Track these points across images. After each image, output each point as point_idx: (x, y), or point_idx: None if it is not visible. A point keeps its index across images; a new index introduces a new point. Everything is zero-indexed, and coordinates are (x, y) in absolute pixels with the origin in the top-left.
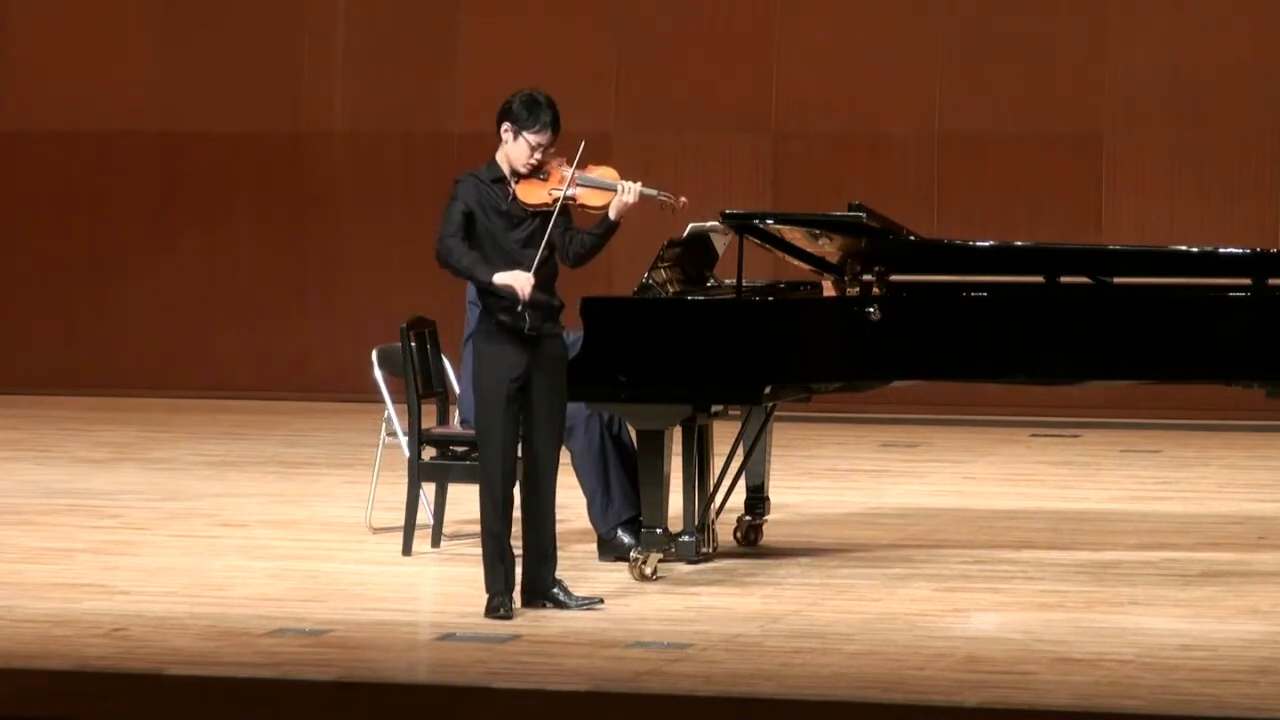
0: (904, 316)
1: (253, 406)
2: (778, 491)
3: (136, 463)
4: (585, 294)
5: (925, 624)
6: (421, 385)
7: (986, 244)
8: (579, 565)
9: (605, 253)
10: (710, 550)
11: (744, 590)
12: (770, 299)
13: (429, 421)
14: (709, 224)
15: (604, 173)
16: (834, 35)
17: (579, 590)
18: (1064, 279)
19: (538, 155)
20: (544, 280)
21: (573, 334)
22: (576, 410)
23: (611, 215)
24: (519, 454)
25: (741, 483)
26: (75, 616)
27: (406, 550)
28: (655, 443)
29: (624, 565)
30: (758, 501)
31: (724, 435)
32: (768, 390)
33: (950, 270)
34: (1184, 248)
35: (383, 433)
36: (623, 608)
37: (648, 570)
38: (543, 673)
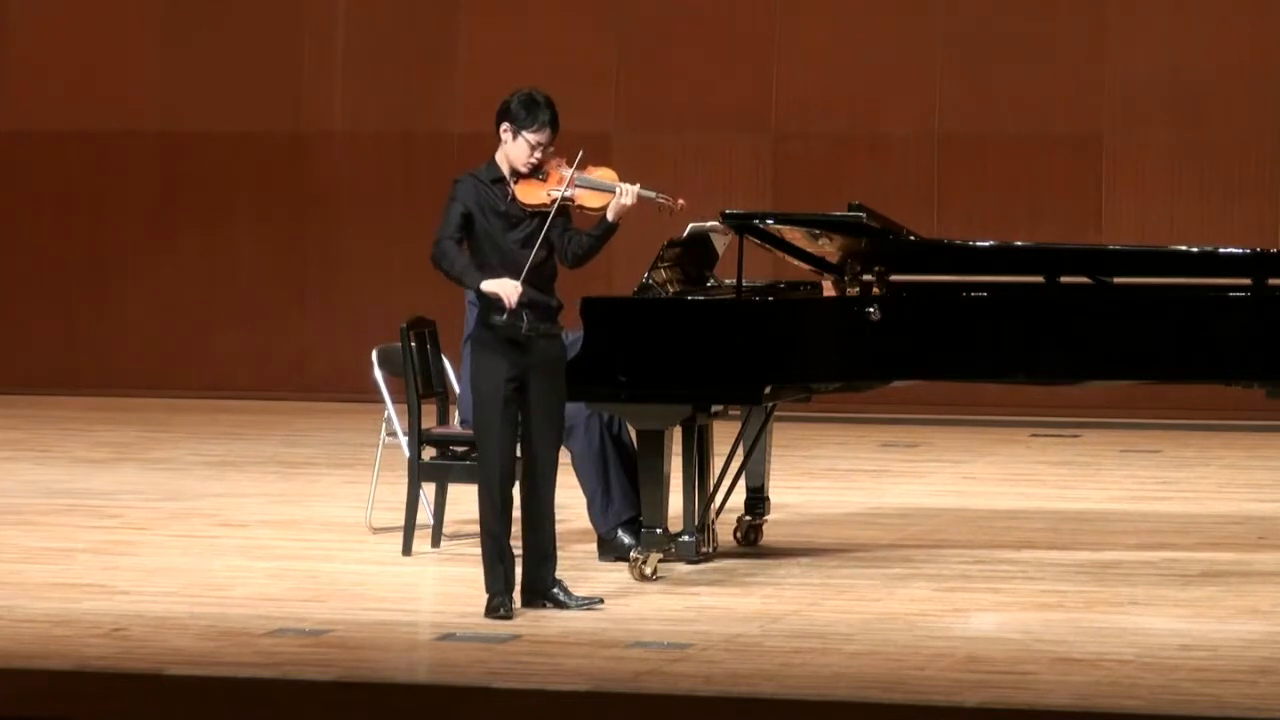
0: (904, 316)
1: (253, 406)
2: (778, 491)
3: (136, 463)
4: (585, 294)
5: (925, 624)
6: (421, 385)
7: (986, 244)
8: (579, 565)
9: (605, 253)
10: (710, 550)
11: (744, 590)
12: (770, 299)
13: (429, 421)
14: (709, 224)
15: (603, 174)
16: (834, 35)
17: (579, 590)
18: (1064, 279)
19: (537, 155)
20: (542, 281)
21: (572, 334)
22: (576, 410)
23: (610, 217)
24: (518, 454)
25: (741, 483)
26: (75, 616)
27: (406, 550)
28: (655, 443)
29: (624, 565)
30: (758, 501)
31: (724, 435)
32: (768, 390)
33: (950, 270)
34: (1184, 248)
35: (383, 433)
36: (623, 608)
37: (648, 570)
38: (543, 673)
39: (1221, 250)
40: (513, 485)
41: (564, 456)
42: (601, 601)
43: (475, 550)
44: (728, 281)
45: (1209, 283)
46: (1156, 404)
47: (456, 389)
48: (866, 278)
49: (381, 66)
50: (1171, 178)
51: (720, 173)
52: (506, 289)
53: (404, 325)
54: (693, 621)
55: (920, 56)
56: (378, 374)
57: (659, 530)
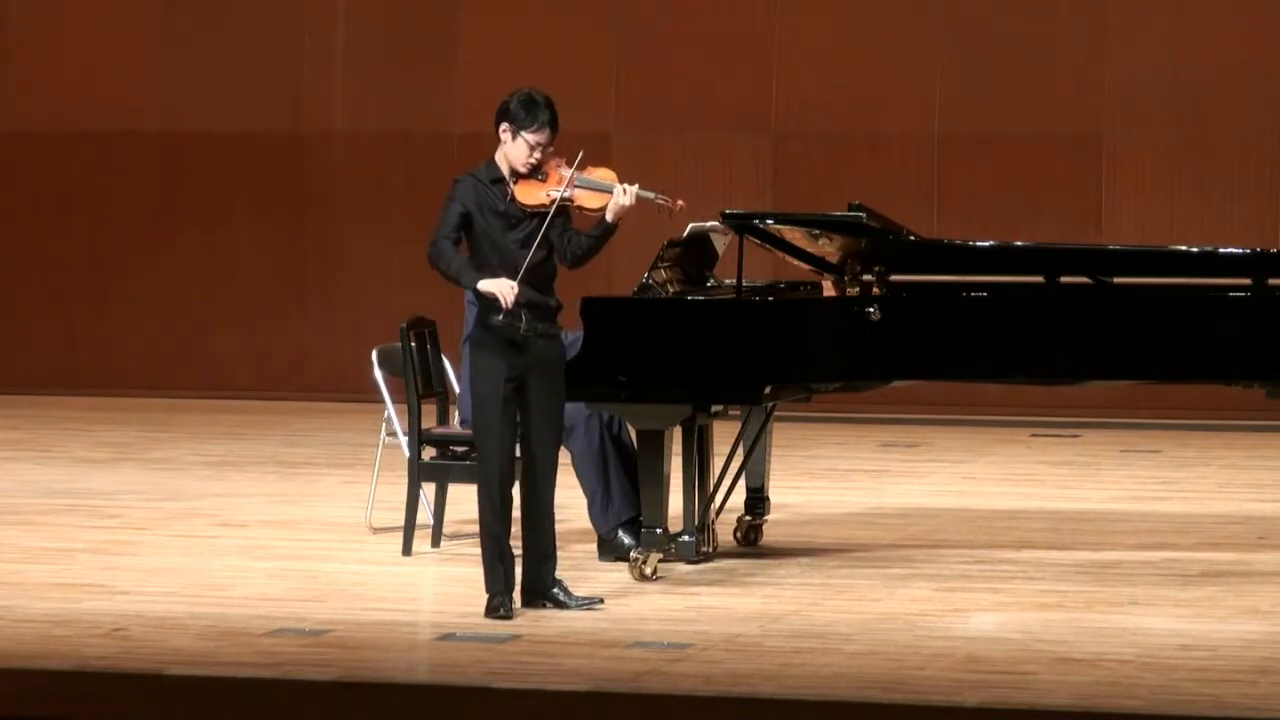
0: (904, 316)
1: (253, 406)
2: (778, 491)
3: (136, 463)
4: (585, 294)
5: (925, 624)
6: (421, 385)
7: (986, 244)
8: (579, 565)
9: (605, 253)
10: (710, 550)
11: (744, 590)
12: (770, 299)
13: (429, 421)
14: (709, 224)
15: (602, 174)
16: (834, 35)
17: (579, 590)
18: (1064, 279)
19: (536, 155)
20: (541, 281)
21: (571, 334)
22: (576, 410)
23: (609, 218)
24: (517, 454)
25: (741, 483)
26: (75, 616)
27: (406, 550)
28: (655, 443)
29: (624, 565)
30: (758, 501)
31: (724, 435)
32: (768, 390)
33: (950, 270)
34: (1184, 248)
35: (383, 433)
36: (623, 608)
37: (648, 570)
38: (543, 673)
39: (1221, 250)
40: (512, 485)
41: (564, 456)
42: (601, 601)
43: (475, 550)
44: (728, 281)
45: (1209, 283)
46: (1156, 404)
47: (456, 389)
48: (866, 278)
49: (381, 66)
50: (1171, 178)
51: (720, 173)
52: (503, 288)
53: (404, 325)
54: (693, 621)
55: (920, 56)
56: (378, 374)
57: (659, 530)
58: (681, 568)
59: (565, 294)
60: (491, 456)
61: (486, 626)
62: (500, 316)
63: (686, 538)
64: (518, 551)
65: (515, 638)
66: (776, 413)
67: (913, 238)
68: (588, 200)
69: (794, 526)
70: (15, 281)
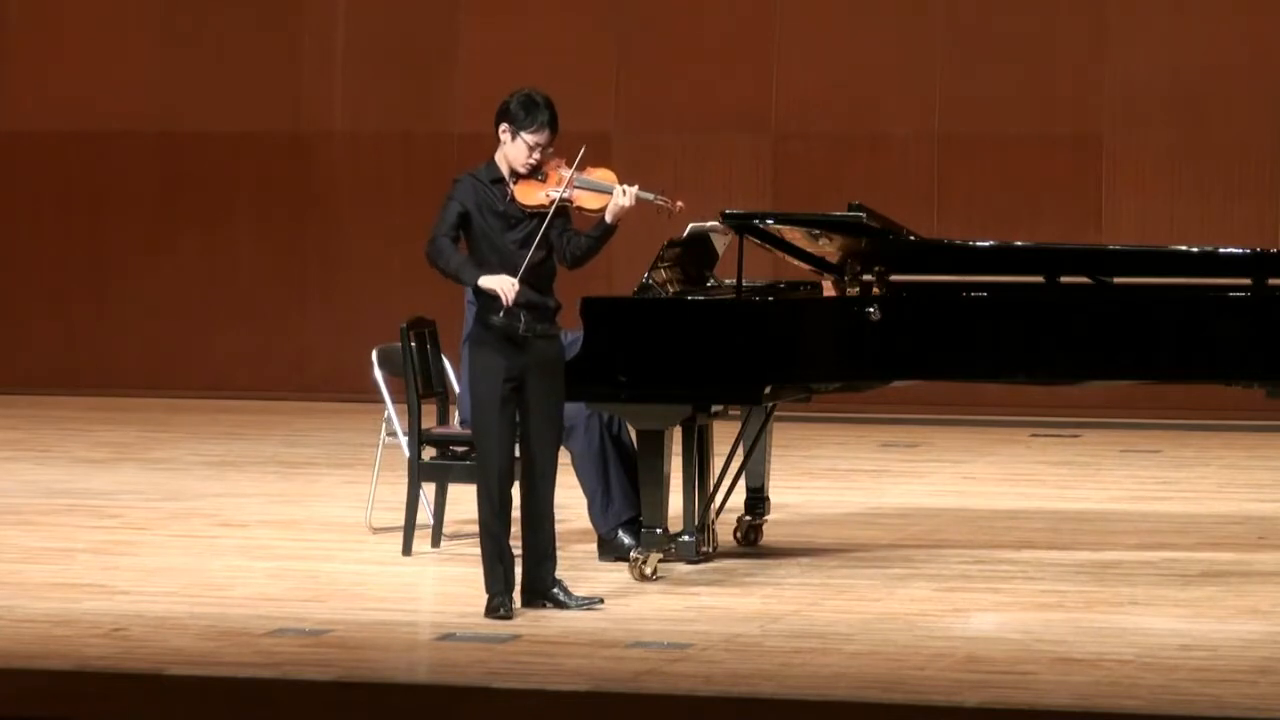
0: (904, 316)
1: (253, 406)
2: (778, 491)
3: (136, 463)
4: (585, 294)
5: (925, 624)
6: (421, 385)
7: (986, 244)
8: (579, 565)
9: (605, 253)
10: (710, 550)
11: (744, 590)
12: (770, 299)
13: (429, 421)
14: (709, 224)
15: (602, 175)
16: (834, 35)
17: (579, 590)
18: (1064, 279)
19: (536, 155)
20: (540, 281)
21: (571, 334)
22: (576, 410)
23: (608, 219)
24: (517, 454)
25: (741, 483)
26: (75, 616)
27: (406, 550)
28: (655, 443)
29: (624, 565)
30: (758, 502)
31: (724, 435)
32: (768, 390)
33: (950, 270)
34: (1184, 248)
35: (383, 433)
36: (623, 608)
37: (648, 570)
38: (543, 673)
39: (1221, 250)
40: (512, 485)
41: (564, 456)
42: (601, 601)
43: (475, 550)
44: (728, 281)
45: (1209, 283)
46: (1156, 404)
47: (456, 389)
48: (866, 278)
49: (381, 66)
50: (1171, 178)
51: (720, 173)
52: (504, 285)
53: (404, 325)
54: (693, 621)
55: (920, 56)
56: (378, 374)
57: (659, 530)
58: (681, 568)
59: (565, 294)
60: (491, 456)
61: (486, 626)
62: (501, 313)
63: (686, 538)
64: (517, 552)
65: (515, 638)
66: (776, 413)
67: (913, 238)
68: (587, 201)
69: (794, 526)
70: (15, 281)
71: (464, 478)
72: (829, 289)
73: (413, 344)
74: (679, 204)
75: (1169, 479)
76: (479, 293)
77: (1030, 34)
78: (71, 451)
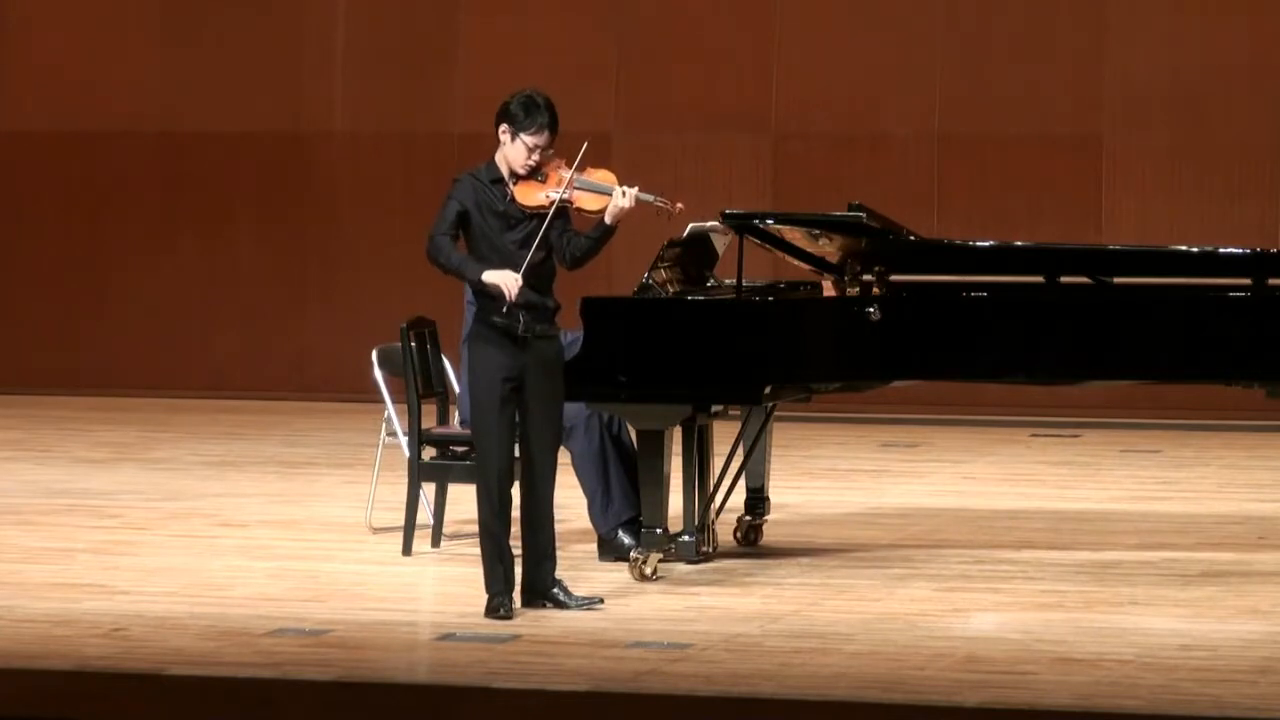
0: (904, 316)
1: (252, 406)
2: (778, 491)
3: (136, 463)
4: (585, 294)
5: (925, 624)
6: (421, 385)
7: (986, 244)
8: (579, 565)
9: (605, 253)
10: (710, 550)
11: (744, 590)
12: (770, 299)
13: (429, 421)
14: (709, 224)
15: (602, 176)
16: (834, 35)
17: (579, 590)
18: (1064, 279)
19: (535, 157)
20: (540, 282)
21: (570, 334)
22: (576, 410)
23: (608, 220)
24: (517, 454)
25: (741, 483)
26: (75, 616)
27: (406, 550)
28: (655, 443)
29: (624, 565)
30: (758, 502)
31: (724, 435)
32: (768, 390)
33: (950, 270)
34: (1184, 248)
35: (383, 433)
36: (623, 608)
37: (648, 570)
38: (543, 673)
39: (1221, 250)
40: (511, 485)
41: (564, 456)
42: (601, 601)
43: (475, 550)
44: (728, 281)
45: (1209, 283)
46: (1156, 404)
47: (456, 389)
48: (866, 278)
49: (381, 66)
50: (1171, 178)
51: (720, 173)
52: (507, 280)
53: (404, 325)
54: (693, 621)
55: (920, 56)
56: (378, 374)
57: (659, 530)
58: (681, 568)
59: (565, 294)
60: (490, 457)
61: (486, 626)
62: (504, 309)
63: (686, 538)
64: (517, 552)
65: (515, 638)
66: (776, 413)
67: (913, 238)
68: (587, 202)
69: (794, 526)
70: (15, 281)
71: (464, 478)
72: (829, 289)
73: (413, 344)
74: (679, 205)
75: (1169, 479)
76: (478, 293)
77: (1030, 34)
78: (71, 451)
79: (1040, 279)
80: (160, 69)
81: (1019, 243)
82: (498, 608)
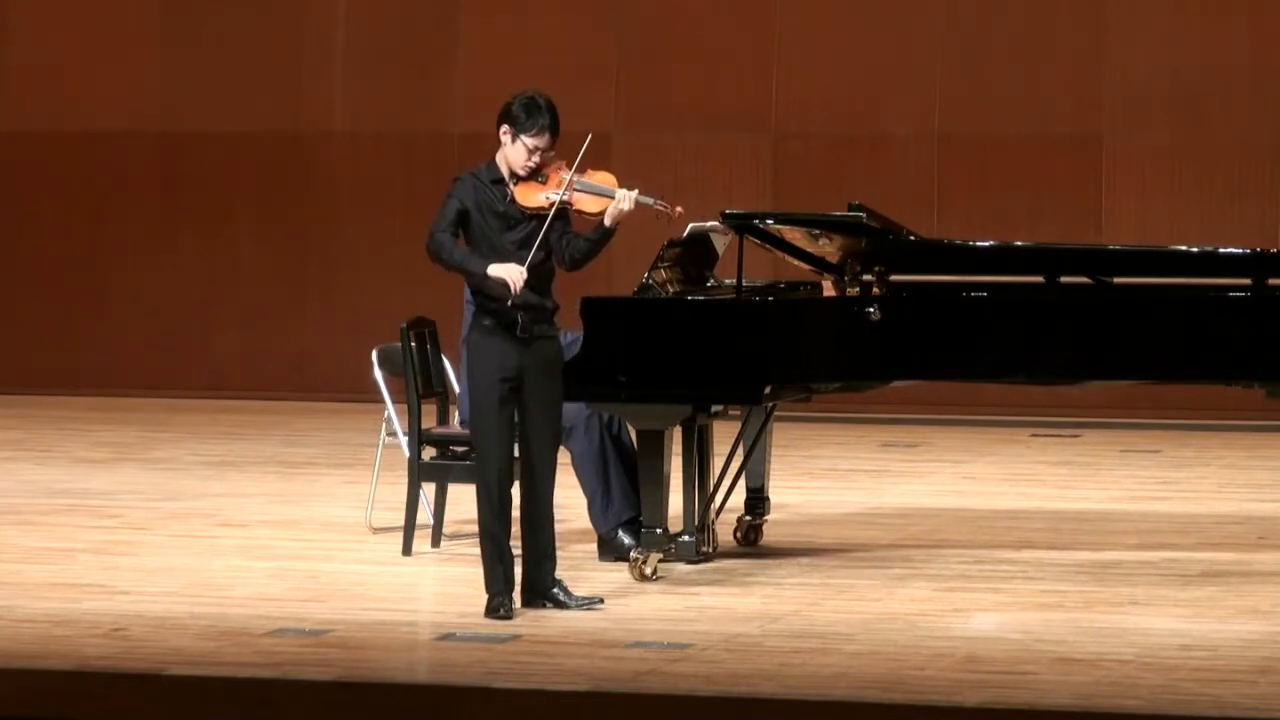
0: (904, 316)
1: (252, 406)
2: (778, 491)
3: (136, 463)
4: (585, 294)
5: (925, 624)
6: (421, 385)
7: (986, 244)
8: (579, 565)
9: (605, 253)
10: (710, 550)
11: (744, 590)
12: (770, 299)
13: (429, 421)
14: (709, 224)
15: (603, 178)
16: (834, 35)
17: (579, 590)
18: (1064, 279)
19: (535, 159)
20: (539, 282)
21: (570, 334)
22: (576, 410)
23: (607, 222)
24: (516, 454)
25: (741, 483)
26: (75, 616)
27: (406, 550)
28: (655, 443)
29: (624, 565)
30: (758, 502)
31: (724, 435)
32: (768, 390)
33: (950, 270)
34: (1184, 248)
35: (383, 433)
36: (623, 608)
37: (648, 570)
38: (543, 673)
39: (1221, 250)
40: (511, 485)
41: (564, 456)
42: (601, 601)
43: (475, 550)
44: (728, 281)
45: (1209, 283)
46: (1156, 404)
47: (456, 389)
48: (866, 278)
49: (381, 66)
50: (1171, 178)
51: (720, 173)
52: (512, 274)
53: (404, 325)
54: (693, 621)
55: (920, 56)
56: (378, 374)
57: (659, 530)
58: (681, 568)
59: (565, 294)
60: (490, 458)
61: (486, 626)
62: (510, 303)
63: (686, 538)
64: (517, 552)
65: (515, 638)
66: (776, 413)
67: (913, 238)
68: (587, 204)
69: (794, 526)
70: (15, 281)
71: (464, 478)
72: (829, 289)
73: (413, 344)
74: (678, 209)
75: (1169, 479)
76: (477, 292)
77: (1030, 34)
78: (71, 451)
79: (1040, 279)
80: (160, 69)
81: (1019, 243)
82: (498, 608)
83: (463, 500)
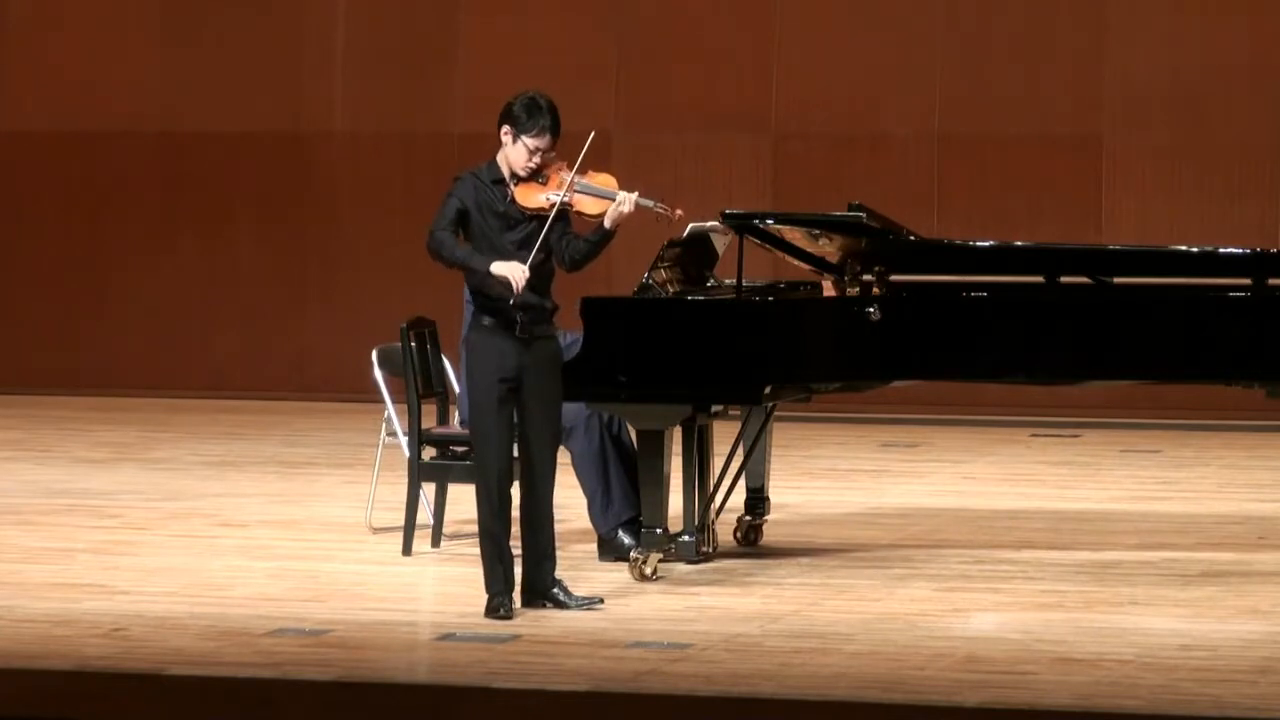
0: (904, 316)
1: (252, 406)
2: (778, 491)
3: (136, 463)
4: (584, 294)
5: (925, 624)
6: (421, 385)
7: (986, 244)
8: (579, 565)
9: (605, 253)
10: (710, 550)
11: (744, 590)
12: (770, 299)
13: (429, 421)
14: (709, 224)
15: (603, 180)
16: (834, 35)
17: (579, 590)
18: (1064, 279)
19: (535, 160)
20: (539, 283)
21: (570, 335)
22: (576, 410)
23: (607, 224)
24: (516, 454)
25: (741, 483)
26: (75, 616)
27: (406, 550)
28: (655, 443)
29: (624, 565)
30: (758, 502)
31: (724, 435)
32: (768, 390)
33: (950, 270)
34: (1184, 248)
35: (383, 433)
36: (623, 608)
37: (648, 570)
38: (543, 673)
39: (1221, 250)
40: (511, 486)
41: (564, 456)
42: (601, 601)
43: (475, 550)
44: (728, 281)
45: (1209, 283)
46: (1156, 404)
47: (456, 389)
48: (866, 278)
49: (381, 66)
50: (1171, 178)
51: (720, 173)
52: (515, 271)
53: (404, 325)
54: (693, 621)
55: (920, 56)
56: (378, 374)
57: (659, 530)
58: (681, 568)
59: (565, 294)
60: (489, 459)
61: (486, 626)
62: (511, 301)
63: (686, 538)
64: (517, 552)
65: (515, 638)
66: (776, 413)
67: (913, 238)
68: (587, 206)
69: (794, 526)
70: (15, 281)
71: (464, 478)
72: (829, 289)
73: (413, 344)
74: (678, 212)
75: (1169, 479)
76: (476, 292)
77: (1030, 34)
78: (71, 451)
79: (1040, 279)
80: (160, 69)
81: (1019, 243)
82: (498, 608)
83: (463, 500)
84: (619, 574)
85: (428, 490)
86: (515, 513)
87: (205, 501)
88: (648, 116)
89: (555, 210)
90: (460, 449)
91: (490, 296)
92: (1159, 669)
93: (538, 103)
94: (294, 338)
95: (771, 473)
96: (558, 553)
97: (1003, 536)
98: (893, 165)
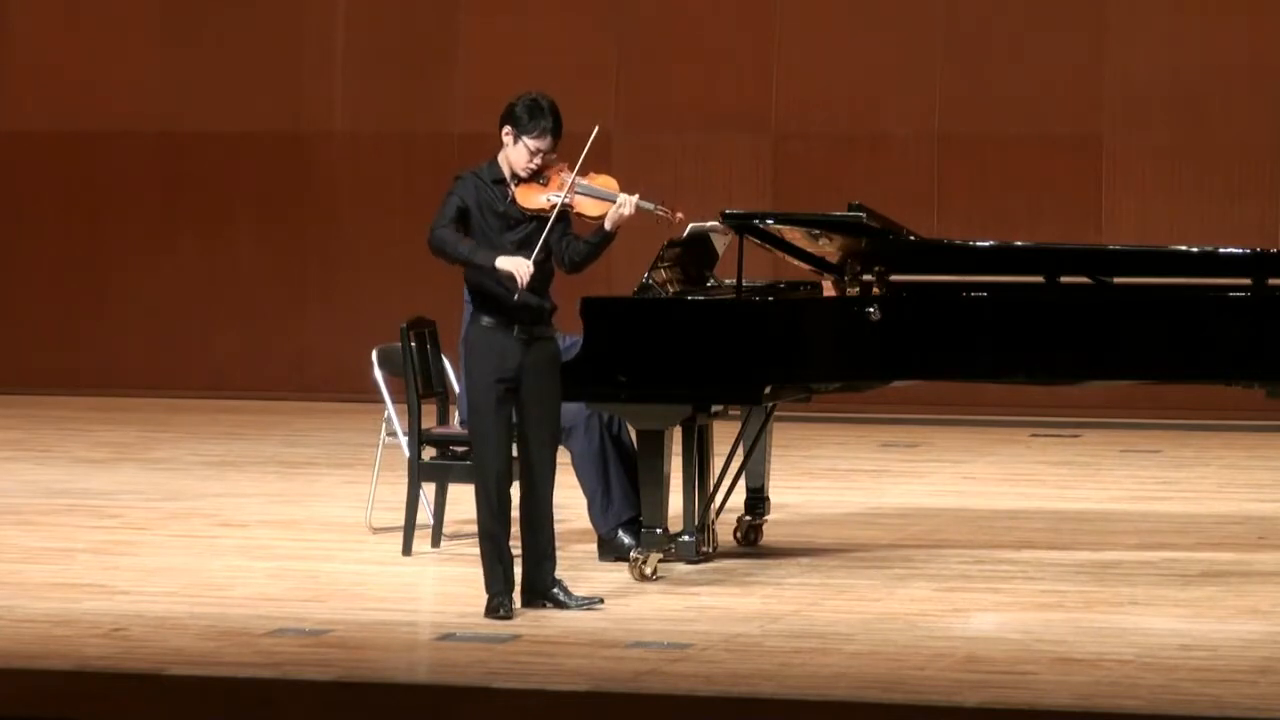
0: (904, 316)
1: (252, 406)
2: (778, 491)
3: (136, 463)
4: (585, 294)
5: (925, 624)
6: (421, 385)
7: (986, 244)
8: (579, 565)
9: (605, 253)
10: (710, 550)
11: (744, 590)
12: (770, 299)
13: (429, 421)
14: (709, 224)
15: (604, 182)
16: (834, 35)
17: (579, 590)
18: (1064, 279)
19: (536, 161)
20: (539, 283)
21: (570, 338)
22: (576, 410)
23: (607, 226)
24: (515, 454)
25: (741, 483)
26: (75, 616)
27: (406, 550)
28: (655, 443)
29: (624, 565)
30: (758, 502)
31: (724, 435)
32: (768, 390)
33: (950, 270)
34: (1184, 248)
35: (383, 433)
36: (623, 608)
37: (648, 570)
38: (543, 673)
39: (1221, 250)
40: (510, 486)
41: (564, 456)
42: (601, 601)
43: (475, 550)
44: (728, 281)
45: (1209, 283)
46: (1156, 404)
47: (456, 389)
48: (866, 278)
49: (381, 66)
50: (1171, 178)
51: (720, 173)
52: (519, 266)
53: (404, 325)
54: (693, 621)
55: (920, 56)
56: (378, 374)
57: (659, 530)
58: (681, 568)
59: (565, 294)
60: (488, 460)
61: (486, 626)
62: (513, 297)
63: (686, 538)
64: (517, 552)
65: (515, 638)
66: (776, 413)
67: (913, 238)
68: (588, 207)
69: (794, 526)
70: (15, 281)
71: (464, 478)
72: (829, 289)
73: (413, 344)
74: (679, 214)
75: (1169, 479)
76: (475, 291)
77: (1030, 34)
78: (71, 451)
79: (1040, 279)
80: (160, 69)
81: (1019, 243)
82: (498, 608)
83: (463, 500)
84: (619, 574)
85: (428, 490)
86: (515, 513)
87: (205, 501)
88: (648, 116)
89: (556, 211)
90: (460, 449)
91: (490, 295)
92: (1159, 669)
93: (540, 104)
94: (294, 338)
95: (771, 473)
96: (558, 553)
97: (1003, 536)
98: (893, 165)
